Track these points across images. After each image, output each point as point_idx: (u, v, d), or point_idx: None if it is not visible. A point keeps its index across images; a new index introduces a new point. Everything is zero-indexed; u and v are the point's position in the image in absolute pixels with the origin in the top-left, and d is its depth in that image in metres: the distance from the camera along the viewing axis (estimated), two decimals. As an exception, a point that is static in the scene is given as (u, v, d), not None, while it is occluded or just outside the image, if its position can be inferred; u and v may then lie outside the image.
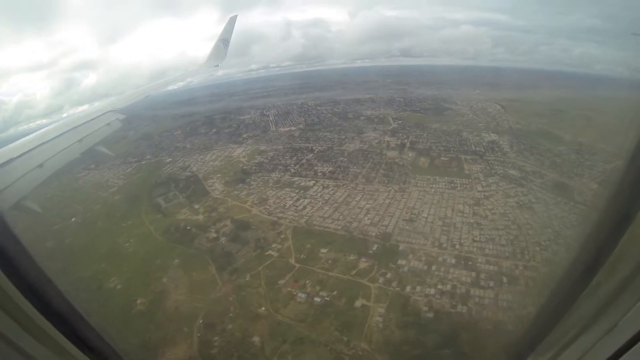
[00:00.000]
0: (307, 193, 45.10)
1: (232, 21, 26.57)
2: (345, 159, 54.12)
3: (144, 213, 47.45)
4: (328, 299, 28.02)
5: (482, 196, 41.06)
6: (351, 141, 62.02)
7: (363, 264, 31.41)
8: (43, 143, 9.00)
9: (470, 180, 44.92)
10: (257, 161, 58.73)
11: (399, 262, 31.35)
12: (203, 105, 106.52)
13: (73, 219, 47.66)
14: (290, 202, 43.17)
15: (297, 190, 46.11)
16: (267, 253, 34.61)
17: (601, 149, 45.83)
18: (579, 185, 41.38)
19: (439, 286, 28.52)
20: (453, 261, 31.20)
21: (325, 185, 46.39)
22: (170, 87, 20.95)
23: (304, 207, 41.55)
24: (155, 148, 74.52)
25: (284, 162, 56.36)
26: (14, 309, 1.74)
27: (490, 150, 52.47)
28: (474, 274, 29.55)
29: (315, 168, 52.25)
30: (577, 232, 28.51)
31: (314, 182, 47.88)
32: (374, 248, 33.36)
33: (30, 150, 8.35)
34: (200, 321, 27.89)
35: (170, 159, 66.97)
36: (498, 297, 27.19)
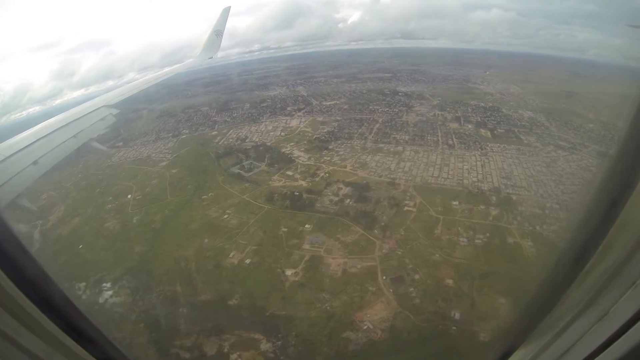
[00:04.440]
0: (403, 157, 49.50)
1: (225, 13, 26.49)
2: (415, 129, 59.00)
3: (225, 183, 46.59)
4: (486, 240, 32.92)
5: (550, 160, 49.25)
6: (407, 114, 66.88)
7: (493, 211, 37.34)
8: (37, 140, 8.99)
9: (532, 148, 52.92)
10: (325, 131, 60.97)
11: (519, 208, 37.95)
12: (214, 85, 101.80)
13: (129, 196, 44.65)
14: (394, 165, 47.27)
15: (391, 155, 50.18)
16: (405, 209, 37.93)
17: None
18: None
19: (558, 224, 35.69)
20: (557, 206, 38.63)
21: (415, 151, 51.08)
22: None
23: (410, 169, 46.00)
24: (187, 123, 72.05)
25: (356, 131, 59.51)
26: (13, 306, 1.80)
27: (534, 125, 61.09)
28: (577, 215, 37.34)
29: (393, 136, 56.48)
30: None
31: (401, 147, 52.28)
32: (493, 199, 39.53)
33: (24, 148, 8.35)
34: (384, 277, 28.42)
35: (215, 132, 65.88)
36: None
